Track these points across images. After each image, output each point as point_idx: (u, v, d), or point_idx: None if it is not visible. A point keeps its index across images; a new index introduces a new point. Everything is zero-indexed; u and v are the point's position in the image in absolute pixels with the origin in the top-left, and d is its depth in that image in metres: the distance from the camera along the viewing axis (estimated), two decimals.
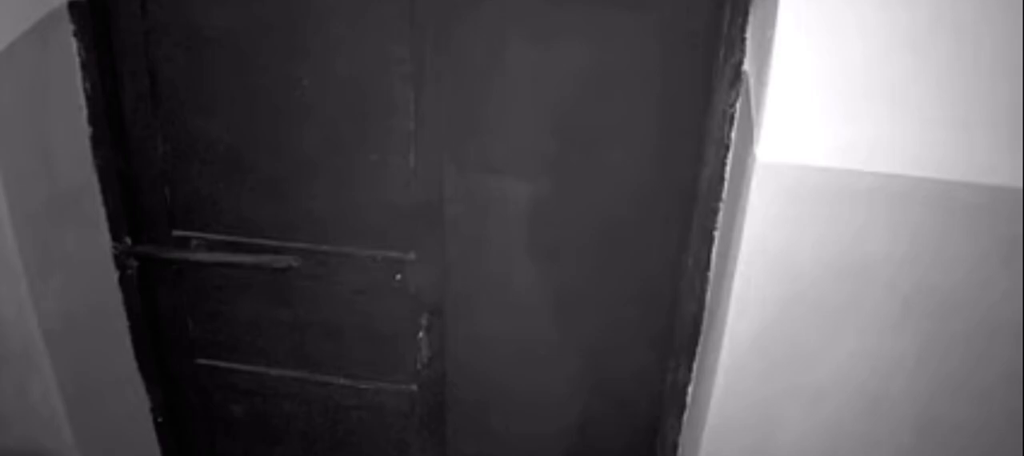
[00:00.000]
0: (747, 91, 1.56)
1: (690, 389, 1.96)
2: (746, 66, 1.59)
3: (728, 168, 1.67)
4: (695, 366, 1.92)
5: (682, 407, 1.99)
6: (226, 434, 2.40)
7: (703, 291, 1.83)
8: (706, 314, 1.83)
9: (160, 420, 2.30)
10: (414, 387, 2.21)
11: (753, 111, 1.44)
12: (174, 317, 2.19)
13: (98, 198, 1.95)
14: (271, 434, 2.38)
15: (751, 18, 1.55)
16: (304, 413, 2.32)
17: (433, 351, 2.15)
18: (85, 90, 1.83)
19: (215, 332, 2.21)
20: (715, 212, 1.74)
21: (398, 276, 2.04)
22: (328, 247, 2.04)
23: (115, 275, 2.05)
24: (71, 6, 1.75)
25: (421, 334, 2.11)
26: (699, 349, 1.89)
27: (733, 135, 1.65)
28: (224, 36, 1.83)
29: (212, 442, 2.42)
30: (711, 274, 1.79)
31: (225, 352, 2.24)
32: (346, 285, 2.08)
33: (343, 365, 2.22)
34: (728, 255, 1.55)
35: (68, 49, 1.78)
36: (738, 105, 1.62)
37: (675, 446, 2.04)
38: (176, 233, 2.05)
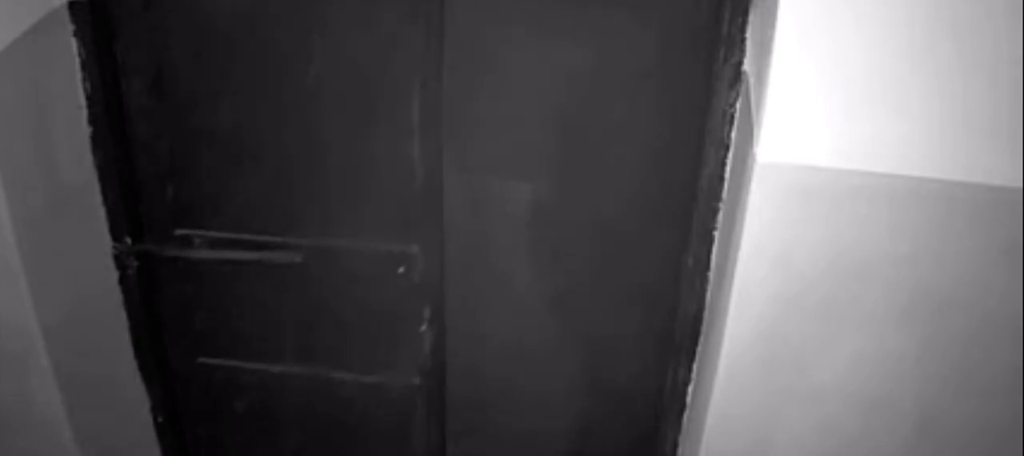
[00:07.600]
0: (747, 91, 1.56)
1: (690, 389, 1.96)
2: (746, 66, 1.59)
3: (728, 168, 1.67)
4: (695, 366, 1.92)
5: (682, 407, 1.99)
6: (227, 433, 2.40)
7: (703, 291, 1.83)
8: (706, 314, 1.83)
9: (160, 420, 2.30)
10: (417, 380, 2.21)
11: (753, 111, 1.44)
12: (176, 316, 2.19)
13: (98, 198, 1.94)
14: (272, 428, 2.38)
15: (751, 18, 1.55)
16: (306, 406, 2.32)
17: (435, 342, 2.15)
18: (85, 90, 1.83)
19: (217, 329, 2.21)
20: (715, 212, 1.74)
21: (401, 269, 2.04)
22: (332, 241, 2.04)
23: (115, 275, 2.05)
24: (71, 6, 1.74)
25: (424, 327, 2.11)
26: (699, 349, 1.89)
27: (733, 135, 1.65)
28: (230, 28, 1.83)
29: (213, 442, 2.42)
30: (711, 274, 1.79)
31: (227, 349, 2.25)
32: (350, 278, 2.09)
33: (345, 359, 2.23)
34: (728, 255, 1.55)
35: (68, 49, 1.78)
36: (738, 105, 1.62)
37: (675, 446, 2.04)
38: (178, 232, 2.05)
